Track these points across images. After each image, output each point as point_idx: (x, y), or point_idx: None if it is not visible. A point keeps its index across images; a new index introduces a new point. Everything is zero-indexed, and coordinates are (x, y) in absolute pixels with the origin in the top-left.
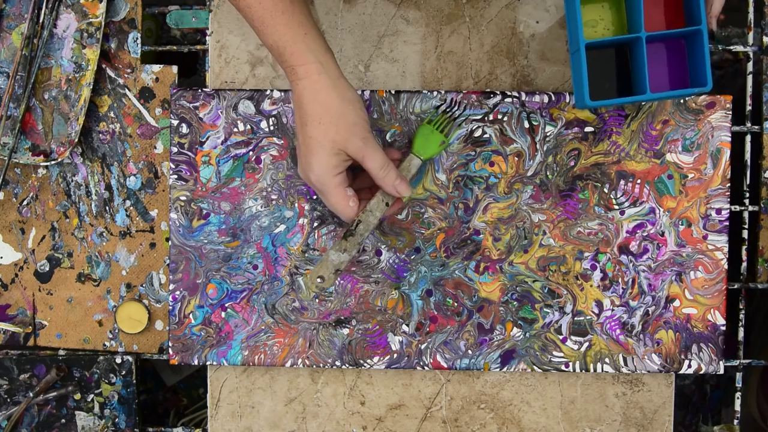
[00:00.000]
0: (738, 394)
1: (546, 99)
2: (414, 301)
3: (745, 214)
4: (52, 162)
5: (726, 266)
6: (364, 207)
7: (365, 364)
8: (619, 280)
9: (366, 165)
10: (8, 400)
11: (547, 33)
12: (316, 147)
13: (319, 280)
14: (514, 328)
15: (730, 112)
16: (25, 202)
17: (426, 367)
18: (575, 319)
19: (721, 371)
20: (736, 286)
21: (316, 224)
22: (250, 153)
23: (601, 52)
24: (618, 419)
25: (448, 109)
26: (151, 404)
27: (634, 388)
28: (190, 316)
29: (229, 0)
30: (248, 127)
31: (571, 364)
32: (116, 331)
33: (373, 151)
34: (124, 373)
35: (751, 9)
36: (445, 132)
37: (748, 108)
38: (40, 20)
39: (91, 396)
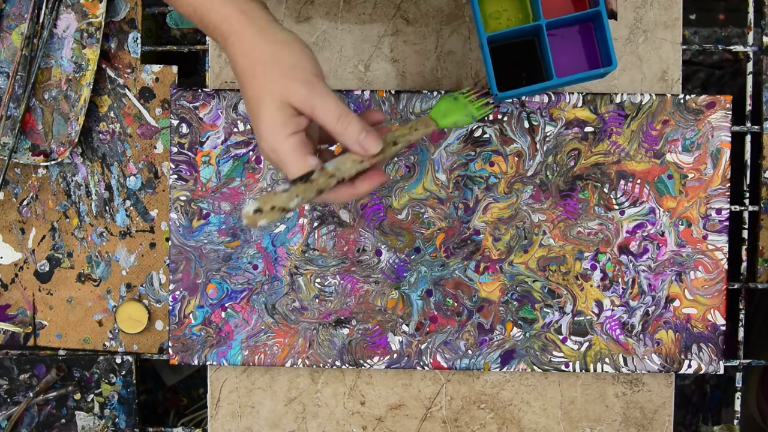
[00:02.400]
0: (738, 394)
1: (546, 99)
2: (414, 301)
3: (745, 214)
4: (52, 162)
5: (726, 266)
6: (329, 161)
7: (365, 364)
8: (619, 280)
9: (318, 118)
10: (8, 400)
11: None
12: (257, 105)
13: (254, 212)
14: (514, 328)
15: (730, 112)
16: (25, 202)
17: (426, 367)
18: (575, 319)
19: (721, 371)
20: (736, 286)
21: (316, 224)
22: (250, 153)
23: (512, 43)
24: (618, 419)
25: (480, 88)
26: (151, 404)
27: (634, 388)
28: (190, 316)
29: None
30: (248, 127)
31: (571, 364)
32: (116, 331)
33: (323, 99)
34: (124, 373)
35: (751, 9)
36: (476, 106)
37: (748, 108)
38: (40, 20)
39: (91, 396)
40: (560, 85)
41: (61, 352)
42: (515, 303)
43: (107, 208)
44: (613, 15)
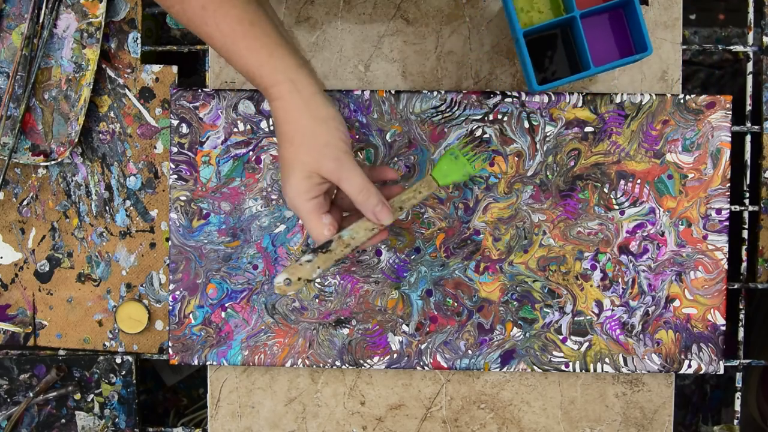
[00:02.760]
0: (738, 394)
1: (546, 99)
2: (414, 301)
3: (745, 214)
4: (52, 162)
5: (726, 266)
6: (346, 226)
7: (365, 364)
8: (619, 280)
9: (343, 189)
10: (8, 400)
11: None
12: (289, 170)
13: (284, 282)
14: (514, 328)
15: (730, 112)
16: (25, 202)
17: (426, 367)
18: (575, 319)
19: (721, 371)
20: (736, 286)
21: None
22: (250, 153)
23: (545, 36)
24: (618, 419)
25: (477, 139)
26: (151, 404)
27: (634, 388)
28: (190, 316)
29: (196, 34)
30: (248, 127)
31: (571, 364)
32: (116, 331)
33: (349, 173)
34: (124, 373)
35: (751, 9)
36: (474, 163)
37: (748, 108)
38: (40, 20)
39: (91, 396)
40: (597, 73)
41: (61, 352)
42: (515, 303)
43: (107, 208)
44: (644, 0)
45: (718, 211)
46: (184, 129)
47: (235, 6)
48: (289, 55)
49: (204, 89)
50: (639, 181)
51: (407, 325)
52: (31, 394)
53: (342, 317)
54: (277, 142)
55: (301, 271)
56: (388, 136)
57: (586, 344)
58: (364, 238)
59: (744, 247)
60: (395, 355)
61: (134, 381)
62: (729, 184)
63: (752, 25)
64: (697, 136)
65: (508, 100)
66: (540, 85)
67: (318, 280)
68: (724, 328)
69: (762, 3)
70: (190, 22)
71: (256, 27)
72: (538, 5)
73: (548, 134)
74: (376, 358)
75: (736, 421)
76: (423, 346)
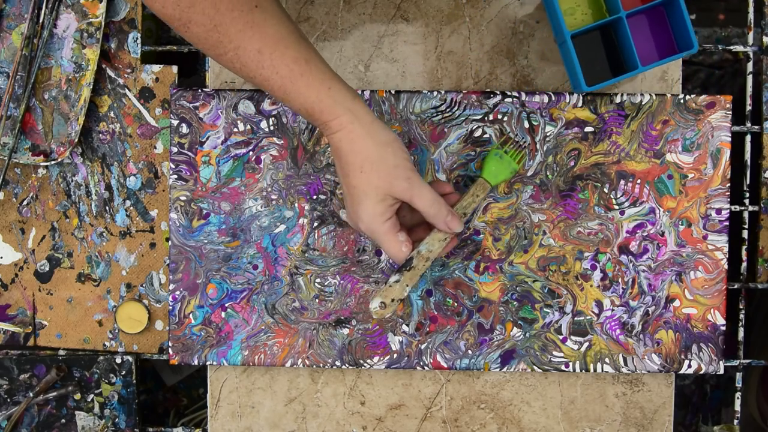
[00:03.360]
0: (738, 394)
1: (546, 99)
2: (414, 301)
3: (745, 214)
4: (52, 162)
5: (726, 266)
6: (421, 242)
7: (365, 364)
8: (619, 280)
9: (415, 205)
10: (8, 400)
11: (547, 33)
12: (361, 196)
13: (380, 305)
14: (514, 328)
15: (730, 112)
16: (25, 202)
17: (426, 367)
18: (575, 319)
19: (721, 371)
20: (736, 286)
21: (316, 224)
22: (250, 153)
23: (585, 37)
24: (618, 419)
25: (517, 139)
26: (151, 404)
27: (634, 388)
28: (190, 316)
29: (246, 79)
30: (248, 127)
31: (571, 364)
32: (116, 331)
33: (420, 190)
34: (124, 373)
35: (751, 9)
36: (517, 159)
37: (748, 108)
38: (40, 20)
39: (91, 396)
40: (644, 71)
41: (61, 352)
42: (515, 303)
43: (107, 208)
44: None
45: (718, 211)
46: (184, 129)
47: (288, 46)
48: (344, 87)
49: (204, 89)
50: (639, 181)
51: (407, 325)
52: (31, 394)
53: (342, 317)
54: (340, 172)
55: (392, 292)
56: None
57: (586, 344)
58: (439, 248)
59: (744, 247)
60: (395, 355)
61: (134, 381)
62: (729, 184)
63: (752, 25)
64: (697, 136)
65: (508, 100)
66: (589, 86)
67: (318, 281)
68: (724, 328)
69: (762, 3)
70: (245, 67)
71: (312, 64)
72: (582, 7)
73: (548, 134)
74: (376, 358)
75: (736, 421)
76: (423, 346)
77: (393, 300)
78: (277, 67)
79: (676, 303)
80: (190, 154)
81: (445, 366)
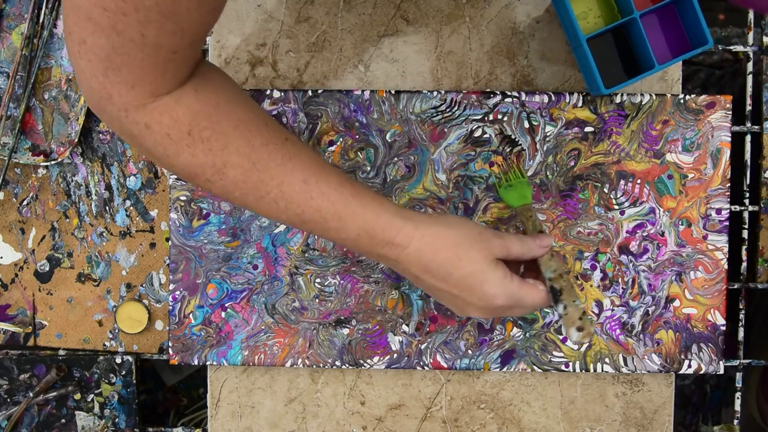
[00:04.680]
0: (738, 394)
1: (546, 99)
2: (414, 301)
3: (745, 214)
4: (52, 162)
5: (726, 266)
6: (539, 272)
7: (365, 364)
8: (619, 280)
9: (511, 253)
10: (8, 400)
11: (547, 33)
12: (479, 277)
13: (577, 330)
14: (514, 328)
15: (730, 112)
16: (25, 202)
17: (426, 367)
18: None
19: (721, 371)
20: (736, 286)
21: None
22: None
23: (598, 40)
24: (618, 419)
25: (508, 162)
26: (151, 404)
27: (634, 388)
28: (190, 316)
29: (292, 220)
30: None
31: (571, 364)
32: (116, 331)
33: (509, 239)
34: (124, 373)
35: (751, 9)
36: (521, 176)
37: (748, 108)
38: (40, 20)
39: (91, 396)
40: (661, 70)
41: (61, 352)
42: None
43: (107, 208)
44: None
45: (718, 211)
46: None
47: (330, 172)
48: (387, 199)
49: None
50: (639, 181)
51: (407, 325)
52: (31, 394)
53: (342, 317)
54: (434, 282)
55: (574, 315)
56: (388, 136)
57: (586, 344)
58: (555, 262)
59: (744, 247)
60: (395, 355)
61: (134, 381)
62: (729, 184)
63: (752, 25)
64: (697, 136)
65: (508, 100)
66: (608, 89)
67: (318, 281)
68: (724, 328)
69: None
70: (292, 203)
71: (356, 184)
72: (594, 11)
73: (548, 134)
74: (376, 358)
75: (736, 421)
76: (423, 346)
77: (580, 318)
78: (326, 193)
79: (676, 303)
80: None
81: (445, 366)
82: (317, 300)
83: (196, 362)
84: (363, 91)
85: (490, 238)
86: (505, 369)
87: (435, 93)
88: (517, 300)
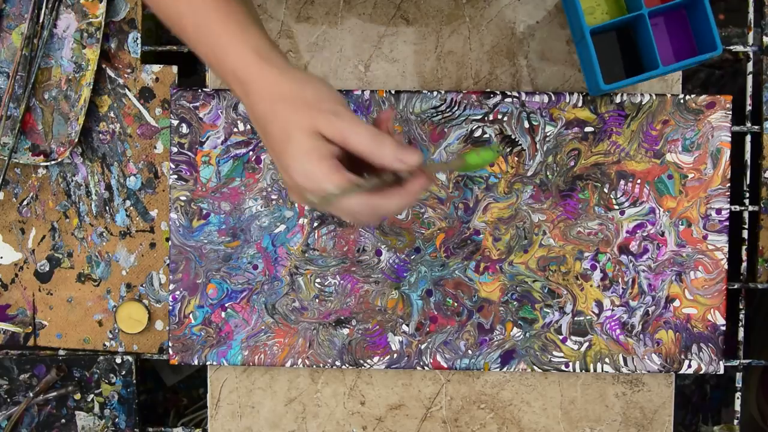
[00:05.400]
0: (738, 394)
1: (546, 99)
2: (414, 301)
3: (745, 214)
4: (52, 162)
5: (726, 266)
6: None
7: (365, 364)
8: (619, 280)
9: (350, 144)
10: (8, 400)
11: (547, 33)
12: (283, 143)
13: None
14: (514, 328)
15: (730, 112)
16: (25, 202)
17: (426, 367)
18: (575, 319)
19: (721, 371)
20: (736, 286)
21: (316, 224)
22: (250, 153)
23: (603, 36)
24: (618, 419)
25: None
26: (151, 404)
27: (634, 388)
28: (190, 316)
29: (163, 17)
30: (248, 127)
31: (571, 364)
32: (116, 331)
33: (352, 124)
34: (124, 373)
35: (751, 9)
36: (495, 150)
37: (748, 108)
38: (40, 20)
39: (91, 396)
40: (665, 73)
41: (61, 352)
42: (515, 303)
43: (107, 208)
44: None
45: (718, 211)
46: (184, 129)
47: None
48: (262, 31)
49: (204, 89)
50: (639, 181)
51: (407, 325)
52: (31, 394)
53: (342, 317)
54: (260, 134)
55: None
56: None
57: (586, 344)
58: (388, 179)
59: (744, 247)
60: (395, 355)
61: (134, 381)
62: (729, 184)
63: (752, 25)
64: (697, 136)
65: (508, 100)
66: (607, 84)
67: (318, 281)
68: (724, 328)
69: (762, 3)
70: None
71: (231, 3)
72: (602, 7)
73: (548, 134)
74: (376, 358)
75: (736, 421)
76: (423, 346)
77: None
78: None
79: (676, 303)
80: (190, 154)
81: (445, 366)
82: (317, 300)
83: (196, 362)
84: (363, 91)
85: (325, 111)
86: (505, 369)
87: (435, 93)
88: (316, 184)
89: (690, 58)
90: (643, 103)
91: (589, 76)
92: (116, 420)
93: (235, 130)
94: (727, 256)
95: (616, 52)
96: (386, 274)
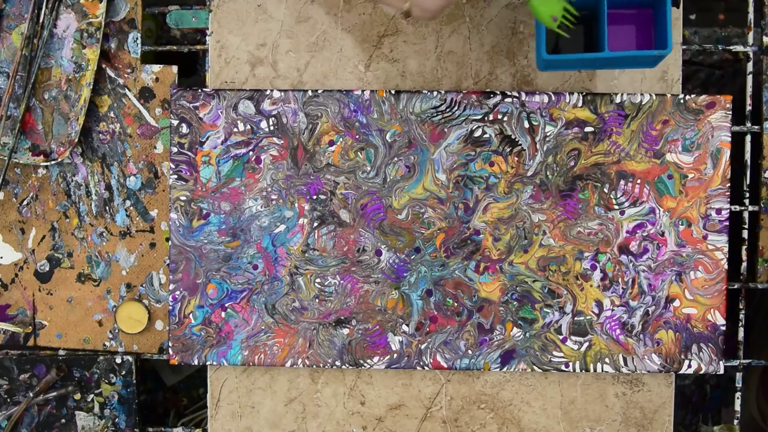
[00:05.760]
0: (738, 394)
1: (546, 99)
2: (414, 301)
3: (745, 214)
4: (52, 162)
5: (726, 266)
6: None
7: (365, 364)
8: (619, 280)
9: None
10: (8, 400)
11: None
12: None
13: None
14: (514, 328)
15: (730, 112)
16: (25, 202)
17: (426, 367)
18: (575, 319)
19: (721, 371)
20: (736, 286)
21: (316, 224)
22: (250, 153)
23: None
24: (618, 419)
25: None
26: (151, 404)
27: (634, 388)
28: (190, 316)
29: None
30: (248, 127)
31: (571, 364)
32: (116, 331)
33: None
34: (124, 373)
35: (751, 9)
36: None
37: (748, 108)
38: (40, 20)
39: (91, 396)
40: (609, 58)
41: (61, 352)
42: (515, 303)
43: (107, 208)
44: (676, 2)
45: (718, 211)
46: (184, 129)
47: None
48: None
49: (204, 89)
50: (639, 181)
51: (407, 325)
52: (31, 394)
53: (342, 317)
54: None
55: None
56: (388, 136)
57: (586, 344)
58: None
59: (744, 247)
60: (395, 355)
61: (134, 381)
62: (729, 184)
63: (752, 25)
64: (697, 136)
65: (508, 100)
66: (549, 54)
67: (318, 281)
68: (724, 328)
69: (762, 3)
70: None
71: None
72: None
73: (548, 134)
74: (376, 358)
75: (736, 421)
76: (423, 346)
77: None
78: None
79: (676, 303)
80: (190, 154)
81: (445, 366)
82: (317, 300)
83: (196, 362)
84: (363, 91)
85: None
86: (505, 369)
87: (435, 93)
88: None
89: (635, 51)
90: (643, 103)
91: (537, 47)
92: (116, 420)
93: (235, 130)
94: (727, 256)
95: (580, 42)
96: (386, 274)
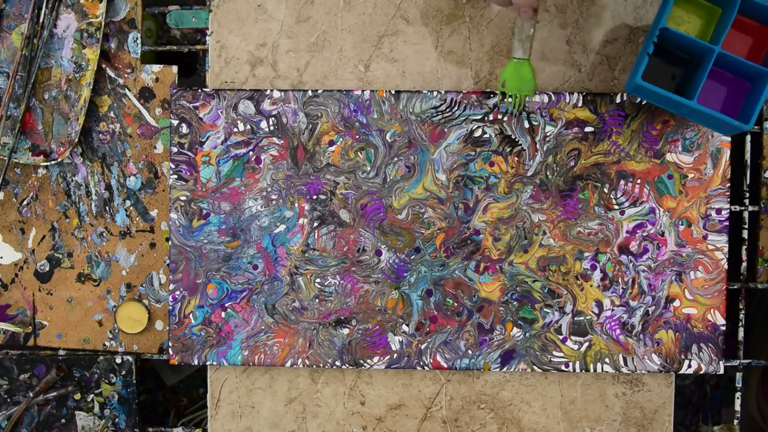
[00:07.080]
0: (738, 394)
1: (546, 99)
2: (414, 301)
3: (745, 214)
4: (52, 162)
5: (726, 266)
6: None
7: (365, 364)
8: (619, 280)
9: None
10: (8, 400)
11: (548, 33)
12: None
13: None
14: (514, 328)
15: None
16: (25, 202)
17: (426, 367)
18: (575, 319)
19: (721, 371)
20: (736, 286)
21: (316, 224)
22: (250, 153)
23: (672, 53)
24: (618, 419)
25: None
26: (151, 404)
27: (634, 388)
28: (190, 316)
29: None
30: (248, 127)
31: (571, 364)
32: (116, 331)
33: None
34: (124, 373)
35: None
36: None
37: None
38: (40, 20)
39: (91, 396)
40: (693, 113)
41: (61, 352)
42: (515, 303)
43: (107, 208)
44: None
45: (718, 211)
46: (184, 129)
47: None
48: None
49: (204, 89)
50: (639, 181)
51: (407, 325)
52: (31, 394)
53: (342, 317)
54: None
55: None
56: (388, 136)
57: (586, 344)
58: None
59: (744, 247)
60: (395, 355)
61: (134, 381)
62: (729, 184)
63: None
64: (697, 136)
65: (508, 100)
66: (641, 81)
67: (318, 281)
68: (724, 328)
69: None
70: None
71: None
72: (692, 24)
73: (548, 134)
74: (376, 358)
75: (736, 421)
76: (423, 346)
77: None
78: None
79: (676, 303)
80: (190, 154)
81: (445, 366)
82: (317, 300)
83: (196, 362)
84: (363, 91)
85: None
86: (505, 369)
87: (435, 93)
88: None
89: (719, 113)
90: (643, 103)
91: (634, 70)
92: (116, 420)
93: (235, 130)
94: (727, 256)
95: (668, 76)
96: (386, 274)
